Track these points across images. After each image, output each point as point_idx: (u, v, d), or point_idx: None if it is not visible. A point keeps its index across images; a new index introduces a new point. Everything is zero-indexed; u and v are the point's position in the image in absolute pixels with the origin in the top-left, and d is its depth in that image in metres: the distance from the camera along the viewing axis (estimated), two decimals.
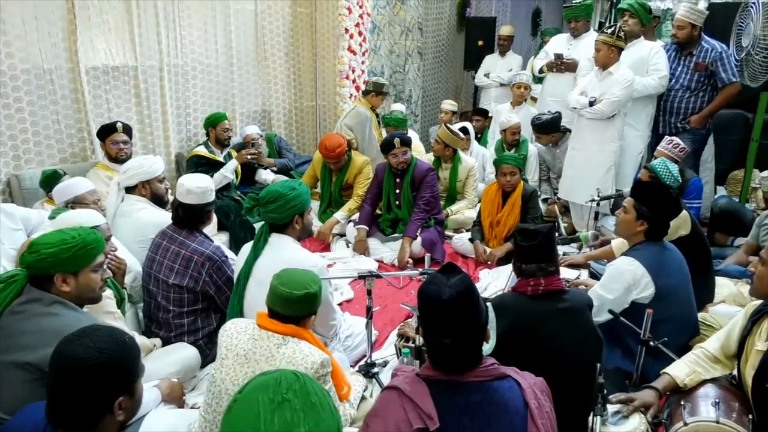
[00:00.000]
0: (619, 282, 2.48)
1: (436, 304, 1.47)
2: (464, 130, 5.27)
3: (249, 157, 4.68)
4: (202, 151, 4.50)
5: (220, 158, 4.55)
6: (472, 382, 1.48)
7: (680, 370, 2.11)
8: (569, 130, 4.80)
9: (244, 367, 1.84)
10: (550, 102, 5.27)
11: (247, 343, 1.87)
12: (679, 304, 2.51)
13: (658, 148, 3.86)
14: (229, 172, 4.47)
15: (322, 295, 1.99)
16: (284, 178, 4.85)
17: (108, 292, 2.30)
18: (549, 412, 1.52)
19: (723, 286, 3.26)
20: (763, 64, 3.88)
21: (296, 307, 1.89)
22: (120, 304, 2.45)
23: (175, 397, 2.29)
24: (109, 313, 2.29)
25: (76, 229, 1.96)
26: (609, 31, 4.08)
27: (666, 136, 3.92)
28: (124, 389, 1.40)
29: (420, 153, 5.30)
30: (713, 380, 2.08)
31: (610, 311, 2.48)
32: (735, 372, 2.10)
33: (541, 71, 5.60)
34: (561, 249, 4.02)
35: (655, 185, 2.74)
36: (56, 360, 1.37)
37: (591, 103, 4.17)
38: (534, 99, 6.07)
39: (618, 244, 3.37)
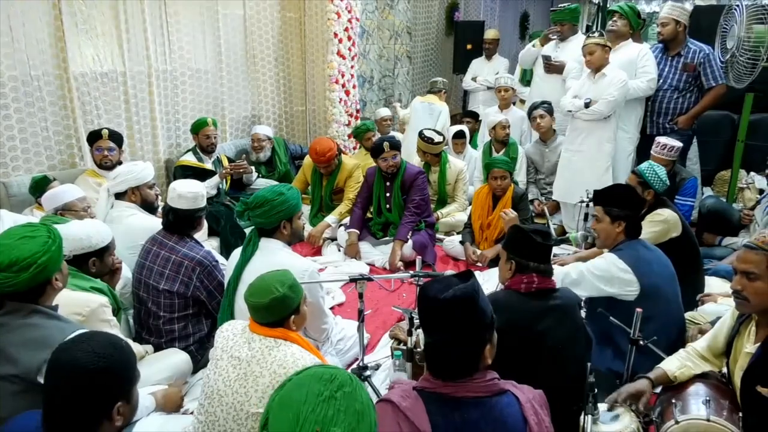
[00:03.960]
0: (606, 273, 2.56)
1: (432, 302, 1.46)
2: (461, 133, 5.30)
3: (231, 172, 4.65)
4: (188, 160, 4.45)
5: (209, 165, 4.52)
6: (469, 397, 1.45)
7: (671, 364, 2.16)
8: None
9: (237, 369, 1.84)
10: None
11: (243, 346, 1.88)
12: (665, 303, 2.56)
13: (652, 153, 3.88)
14: (210, 187, 4.37)
15: (298, 292, 1.96)
16: (273, 182, 4.85)
17: (104, 300, 2.28)
18: (548, 427, 1.51)
19: (712, 286, 3.30)
20: (748, 66, 3.92)
21: (268, 314, 1.88)
22: (116, 312, 2.43)
23: (171, 405, 2.27)
24: (105, 321, 2.26)
25: (37, 227, 1.91)
26: (597, 33, 4.17)
27: (656, 139, 3.94)
28: (122, 394, 1.39)
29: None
30: (704, 378, 2.11)
31: (601, 311, 2.51)
32: (725, 370, 2.13)
33: (534, 45, 5.58)
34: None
35: (611, 186, 2.88)
36: (54, 366, 1.36)
37: (587, 105, 4.20)
38: (523, 102, 6.11)
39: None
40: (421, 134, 4.71)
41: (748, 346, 1.93)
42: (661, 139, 3.90)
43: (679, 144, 3.84)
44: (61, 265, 1.91)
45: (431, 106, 5.81)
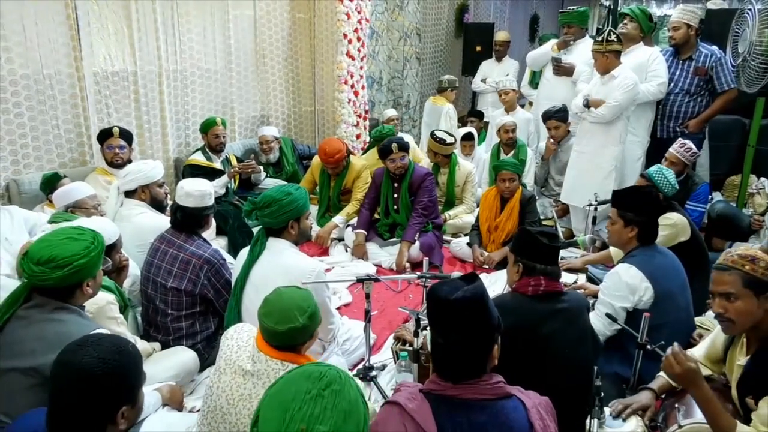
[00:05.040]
0: (623, 289, 2.49)
1: (443, 303, 1.47)
2: (469, 135, 5.30)
3: (240, 171, 4.68)
4: (197, 159, 4.48)
5: (218, 165, 4.55)
6: (475, 400, 1.45)
7: None
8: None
9: (241, 388, 1.78)
10: (546, 105, 5.29)
11: (247, 362, 1.79)
12: (677, 309, 2.52)
13: (670, 150, 3.85)
14: (219, 186, 4.38)
15: (316, 320, 1.83)
16: (281, 182, 4.86)
17: (111, 298, 2.30)
18: None
19: None
20: (759, 70, 3.89)
21: (282, 340, 1.75)
22: (123, 310, 2.45)
23: (175, 400, 2.30)
24: (112, 318, 2.29)
25: (83, 232, 1.95)
26: (599, 38, 4.14)
27: (679, 139, 3.92)
28: (126, 399, 1.39)
29: (420, 159, 5.32)
30: (707, 381, 2.09)
31: (608, 315, 2.50)
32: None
33: (552, 48, 5.54)
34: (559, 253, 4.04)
35: (631, 189, 2.75)
36: (59, 370, 1.36)
37: (586, 105, 4.18)
38: (532, 104, 6.10)
39: (616, 249, 3.39)
40: (432, 134, 4.73)
41: (741, 358, 1.93)
42: (686, 141, 3.86)
43: (698, 149, 3.82)
44: (96, 273, 1.93)
45: (434, 107, 5.93)
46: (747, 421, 1.88)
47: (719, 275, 1.89)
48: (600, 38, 4.13)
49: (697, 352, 2.19)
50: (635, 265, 2.49)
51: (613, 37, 4.08)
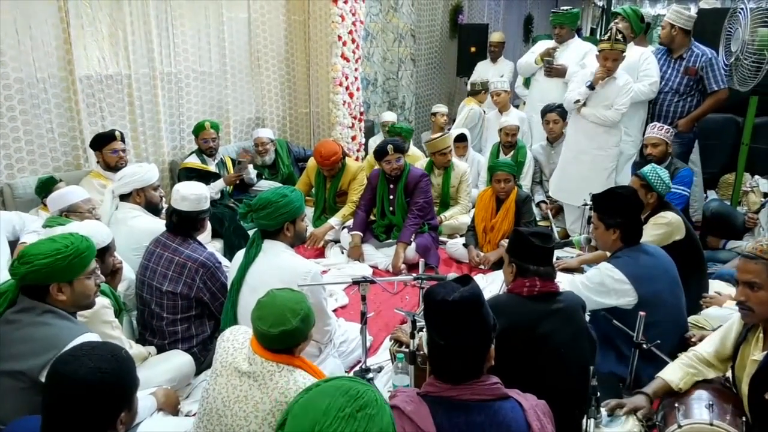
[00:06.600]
0: (601, 287, 2.51)
1: (441, 305, 1.47)
2: (462, 136, 5.31)
3: (236, 179, 4.67)
4: (192, 162, 4.46)
5: (212, 167, 4.54)
6: (473, 400, 1.46)
7: (674, 374, 2.12)
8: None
9: (237, 390, 1.78)
10: (538, 106, 5.29)
11: (243, 363, 1.79)
12: (665, 309, 2.51)
13: (648, 135, 3.89)
14: (215, 192, 4.35)
15: (309, 323, 1.82)
16: (277, 184, 4.85)
17: (106, 302, 2.29)
18: None
19: (716, 289, 3.28)
20: (752, 69, 3.91)
21: (275, 343, 1.75)
22: (118, 313, 2.44)
23: (170, 405, 2.29)
24: (107, 322, 2.28)
25: (68, 236, 1.93)
26: (605, 37, 4.06)
27: (649, 124, 3.98)
28: (124, 405, 1.38)
29: (418, 159, 5.31)
30: (707, 382, 2.09)
31: (604, 315, 2.50)
32: (729, 374, 2.11)
33: (536, 62, 5.56)
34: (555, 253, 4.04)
35: (607, 192, 2.73)
36: (55, 380, 1.34)
37: (591, 87, 4.14)
38: (525, 104, 6.13)
39: None
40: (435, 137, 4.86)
41: (756, 353, 1.91)
42: (655, 123, 3.96)
43: (675, 150, 3.89)
44: (70, 279, 1.89)
45: (461, 106, 6.29)
46: (755, 417, 1.87)
47: (745, 263, 1.87)
48: (607, 37, 4.04)
49: (705, 351, 2.15)
50: (618, 267, 2.51)
51: (619, 36, 4.01)
